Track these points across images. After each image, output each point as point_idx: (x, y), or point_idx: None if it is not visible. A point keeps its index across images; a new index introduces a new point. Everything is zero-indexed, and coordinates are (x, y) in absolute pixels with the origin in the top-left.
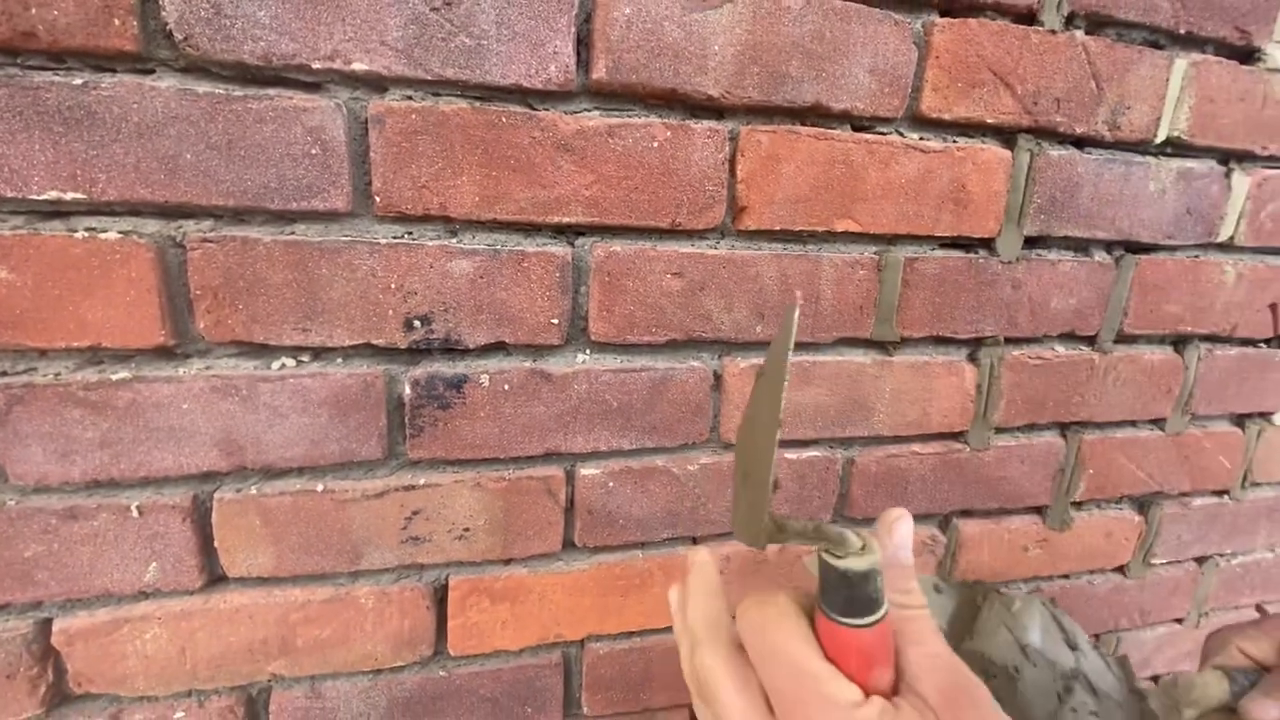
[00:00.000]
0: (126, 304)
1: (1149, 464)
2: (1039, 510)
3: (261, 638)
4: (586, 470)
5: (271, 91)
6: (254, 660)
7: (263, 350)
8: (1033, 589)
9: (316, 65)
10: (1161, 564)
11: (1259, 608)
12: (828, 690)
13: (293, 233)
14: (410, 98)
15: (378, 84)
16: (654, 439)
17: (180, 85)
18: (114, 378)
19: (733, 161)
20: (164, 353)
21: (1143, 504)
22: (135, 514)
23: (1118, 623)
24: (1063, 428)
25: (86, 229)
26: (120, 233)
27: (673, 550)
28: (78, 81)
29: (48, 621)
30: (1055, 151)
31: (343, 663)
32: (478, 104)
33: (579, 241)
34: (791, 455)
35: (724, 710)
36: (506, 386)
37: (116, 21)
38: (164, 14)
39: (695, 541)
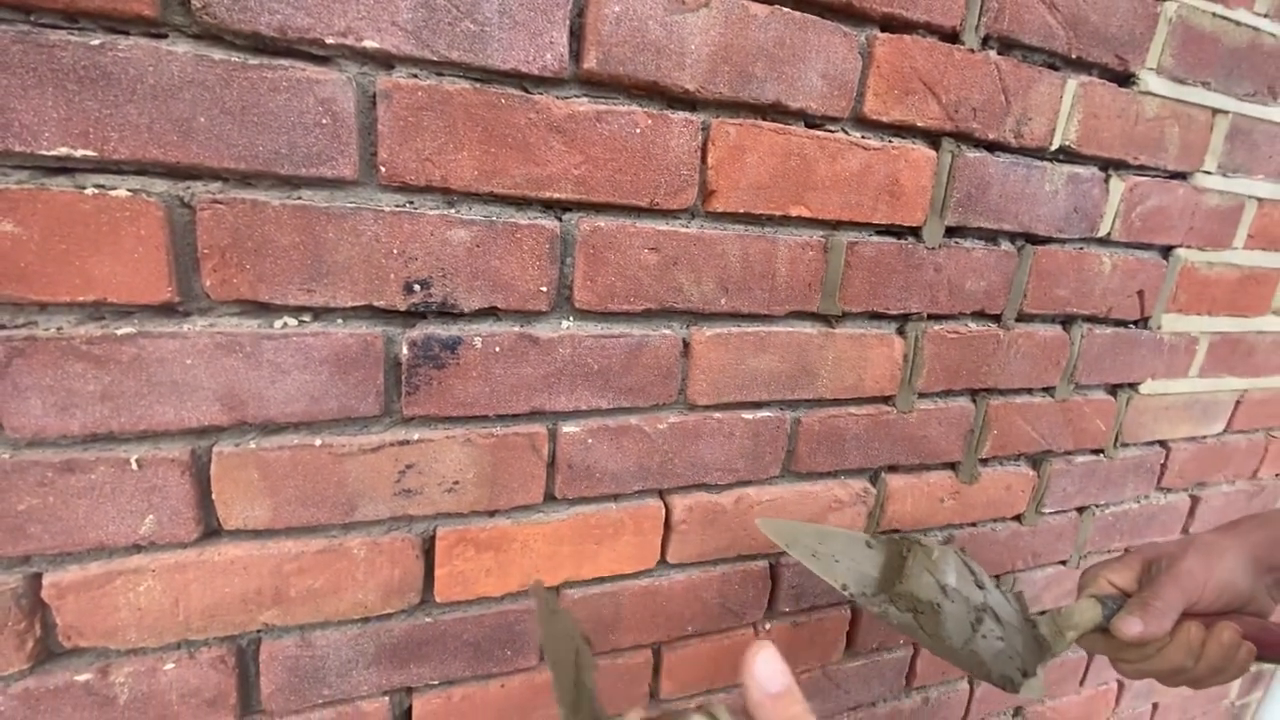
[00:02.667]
0: (134, 260)
1: (1041, 426)
2: (953, 466)
3: (255, 588)
4: (568, 428)
5: (285, 62)
6: (247, 610)
7: (266, 309)
8: (946, 537)
9: (330, 40)
10: (1050, 513)
11: (1126, 550)
12: None
13: (300, 197)
14: (416, 76)
15: (386, 61)
16: (629, 399)
17: (196, 51)
18: (118, 332)
19: (704, 149)
20: (168, 309)
21: (1035, 461)
22: (134, 467)
23: (1014, 564)
24: (973, 394)
25: (95, 186)
26: (129, 191)
27: (642, 502)
28: (95, 42)
29: (37, 576)
30: (971, 154)
31: (333, 611)
32: (479, 85)
33: (566, 216)
34: (747, 415)
35: None
36: (497, 349)
37: None
38: None
39: (663, 494)
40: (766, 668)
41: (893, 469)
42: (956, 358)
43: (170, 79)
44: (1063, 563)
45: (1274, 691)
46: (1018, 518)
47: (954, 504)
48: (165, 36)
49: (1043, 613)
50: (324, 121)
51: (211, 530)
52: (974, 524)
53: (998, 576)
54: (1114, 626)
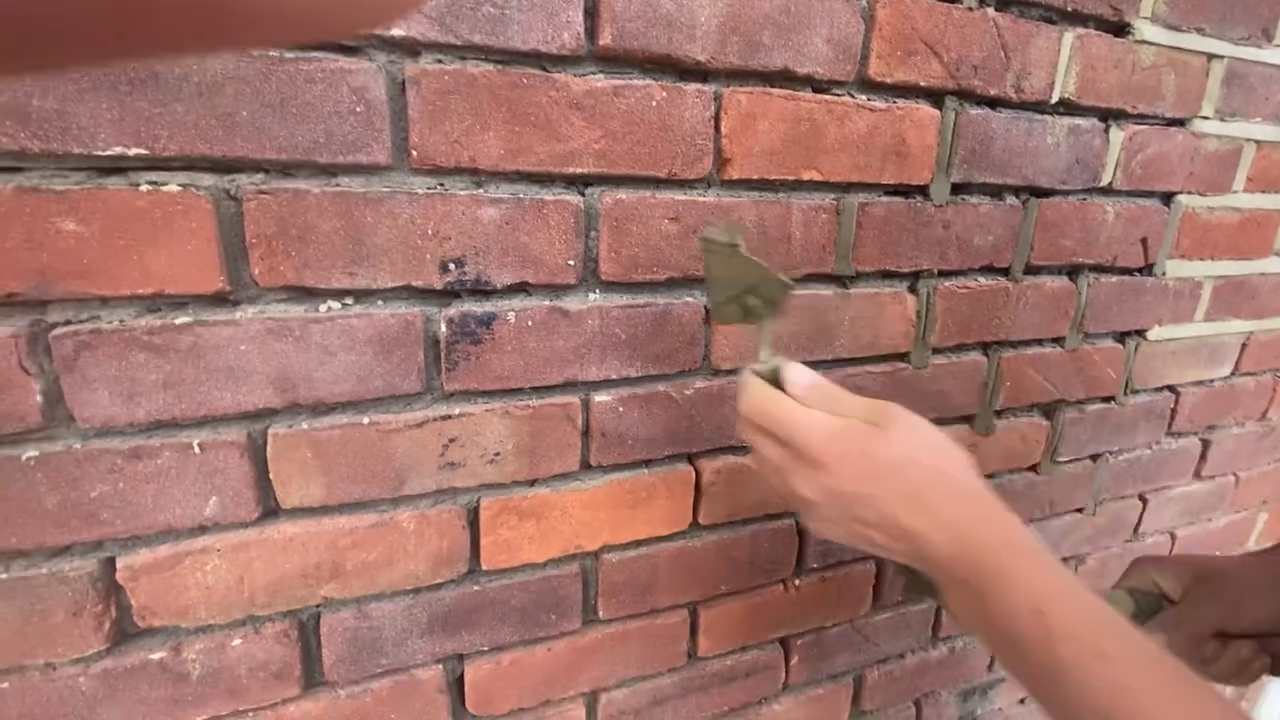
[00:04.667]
0: (187, 253)
1: (1052, 376)
2: (968, 419)
3: (314, 563)
4: (600, 397)
5: (318, 54)
6: (307, 585)
7: (312, 294)
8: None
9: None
10: (1065, 462)
11: (1141, 496)
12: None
13: (338, 185)
14: (441, 61)
15: (413, 48)
16: (656, 367)
17: None
18: (176, 322)
19: (717, 119)
20: (221, 298)
21: (1048, 410)
22: (197, 451)
23: (1031, 514)
24: (985, 347)
25: (149, 183)
26: (180, 186)
27: (673, 466)
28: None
29: (111, 560)
30: (974, 111)
31: (387, 583)
32: (501, 67)
33: (589, 190)
34: None
35: (760, 452)
36: (530, 323)
37: None
38: None
39: (691, 459)
40: (798, 370)
41: None
42: (967, 312)
43: (214, 76)
44: (1079, 510)
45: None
46: (1034, 468)
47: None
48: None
49: (1064, 560)
50: (358, 110)
51: (270, 509)
52: (992, 475)
53: None
54: None
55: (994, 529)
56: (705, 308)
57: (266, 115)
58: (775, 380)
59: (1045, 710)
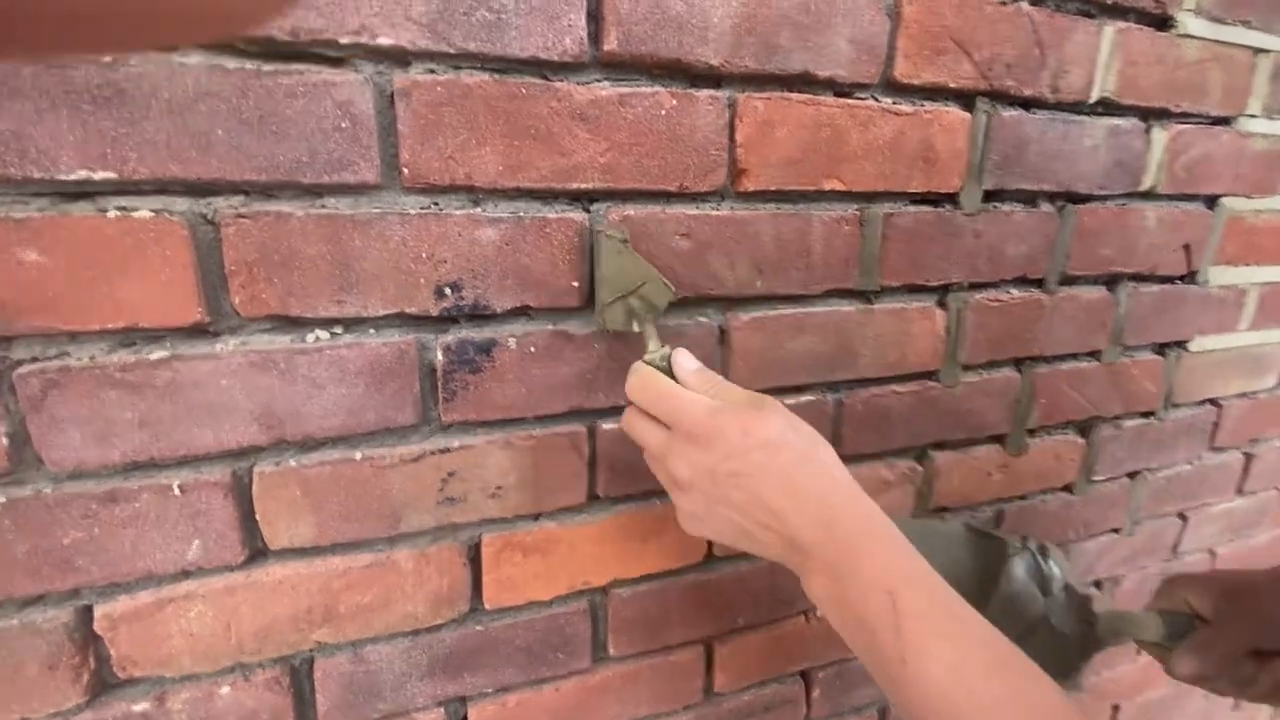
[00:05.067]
0: (161, 283)
1: (1089, 391)
2: (999, 439)
3: (305, 607)
4: (607, 425)
5: (300, 67)
6: (298, 630)
7: (297, 324)
8: (995, 510)
9: (344, 40)
10: (1101, 480)
11: (1180, 513)
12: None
13: (324, 206)
14: (434, 71)
15: (402, 58)
16: None
17: (209, 61)
18: (151, 357)
19: (732, 127)
20: (200, 330)
21: (1084, 428)
22: (177, 493)
23: (1065, 535)
24: (1018, 363)
25: (118, 208)
26: (152, 211)
27: None
28: (106, 59)
29: (88, 609)
30: (1007, 112)
31: (384, 626)
32: (498, 76)
33: (595, 206)
34: (789, 400)
35: (642, 436)
36: (532, 349)
37: None
38: None
39: None
40: (685, 356)
41: (939, 445)
42: (1000, 327)
43: (185, 92)
44: (1116, 530)
45: None
46: (1068, 487)
47: (1002, 477)
48: (176, 48)
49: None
50: (343, 125)
51: (258, 551)
52: (1023, 496)
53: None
54: (1171, 661)
55: (857, 512)
56: (720, 328)
57: (244, 133)
58: (667, 371)
59: (890, 695)
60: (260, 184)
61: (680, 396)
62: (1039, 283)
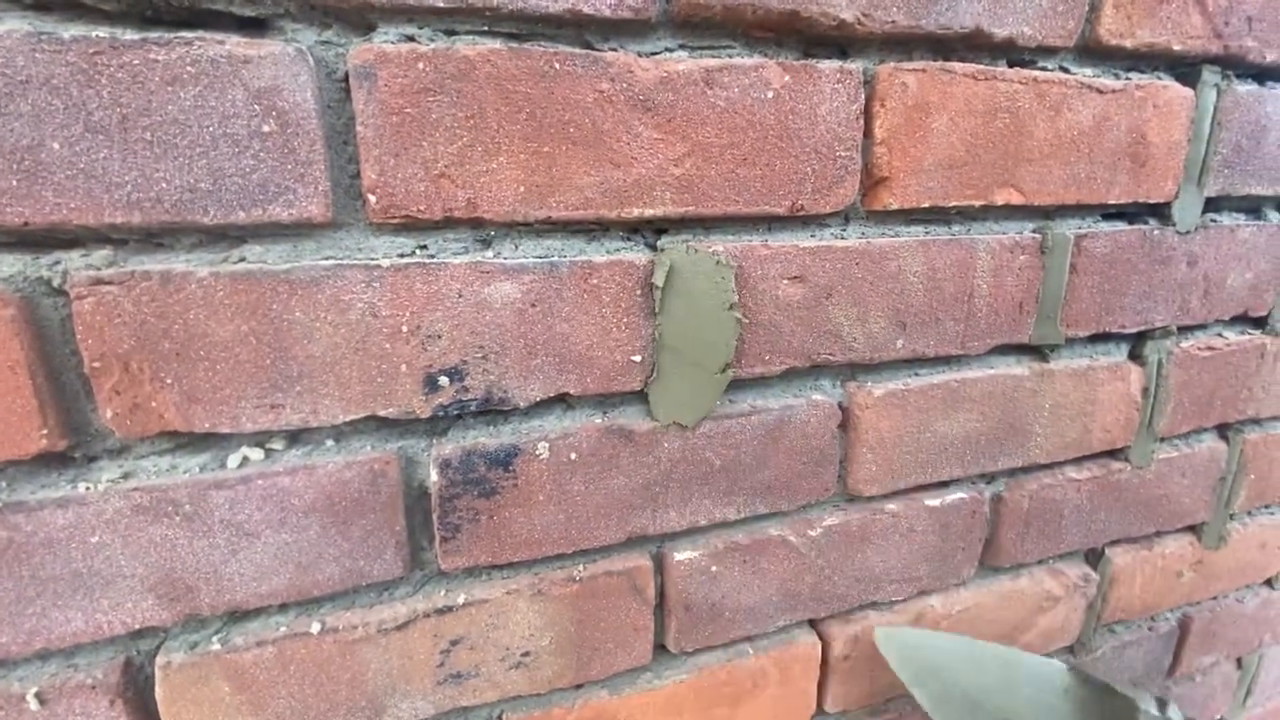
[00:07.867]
0: None
1: None
2: (1194, 529)
3: None
4: (681, 554)
5: (189, 34)
6: None
7: (210, 441)
8: (1180, 617)
9: None
10: None
11: None
12: None
13: (243, 259)
14: (412, 37)
15: (359, 17)
16: (767, 502)
17: (33, 28)
18: None
19: (868, 115)
20: (54, 461)
21: None
22: (33, 704)
23: (1261, 639)
24: (1223, 430)
25: None
26: None
27: (790, 639)
28: None
29: None
30: (1242, 87)
31: None
32: (516, 44)
33: (664, 241)
34: (932, 501)
35: None
36: (574, 455)
37: None
38: None
39: (816, 625)
40: None
41: (1117, 543)
42: (1209, 383)
43: None
44: None
45: None
46: (1269, 581)
47: (1193, 577)
48: None
49: None
50: (265, 128)
51: None
52: (1215, 598)
53: (1238, 661)
54: None
55: None
56: (841, 406)
57: (97, 146)
58: None
59: None
60: (135, 228)
61: None
62: (1261, 321)
